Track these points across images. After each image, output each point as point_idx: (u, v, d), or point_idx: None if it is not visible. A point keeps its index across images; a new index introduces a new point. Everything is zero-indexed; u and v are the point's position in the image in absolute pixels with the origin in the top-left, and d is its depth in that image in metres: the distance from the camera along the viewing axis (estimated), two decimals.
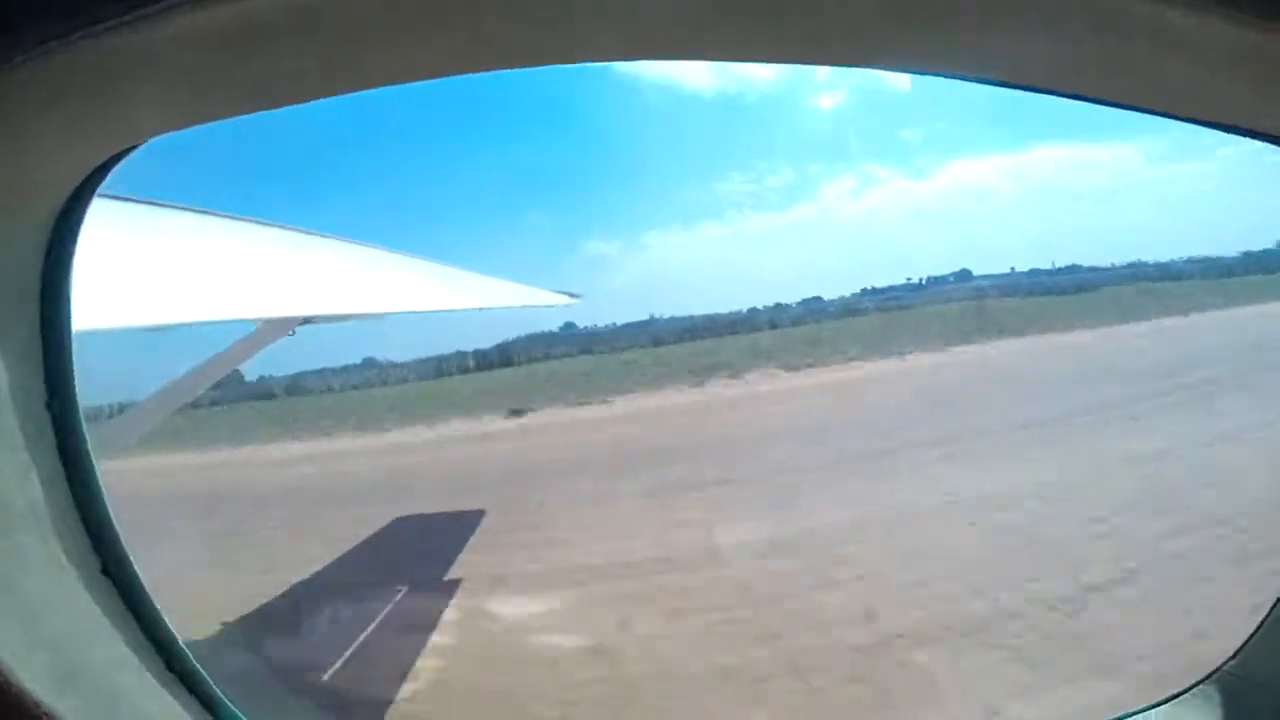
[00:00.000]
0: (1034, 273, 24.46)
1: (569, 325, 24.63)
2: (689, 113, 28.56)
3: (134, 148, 0.89)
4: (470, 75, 0.97)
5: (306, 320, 4.99)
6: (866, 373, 17.60)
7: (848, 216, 27.91)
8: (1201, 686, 1.23)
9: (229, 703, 1.09)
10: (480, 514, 9.09)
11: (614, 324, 25.20)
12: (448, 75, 0.96)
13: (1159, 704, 1.25)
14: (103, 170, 0.89)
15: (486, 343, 24.12)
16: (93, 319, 1.72)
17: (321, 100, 0.95)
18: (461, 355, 23.48)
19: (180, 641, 1.05)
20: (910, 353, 18.50)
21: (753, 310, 24.91)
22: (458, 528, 8.44)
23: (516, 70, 1.05)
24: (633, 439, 13.78)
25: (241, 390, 22.00)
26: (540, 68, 1.04)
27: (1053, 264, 24.61)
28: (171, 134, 0.90)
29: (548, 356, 23.85)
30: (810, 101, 29.69)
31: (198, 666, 1.06)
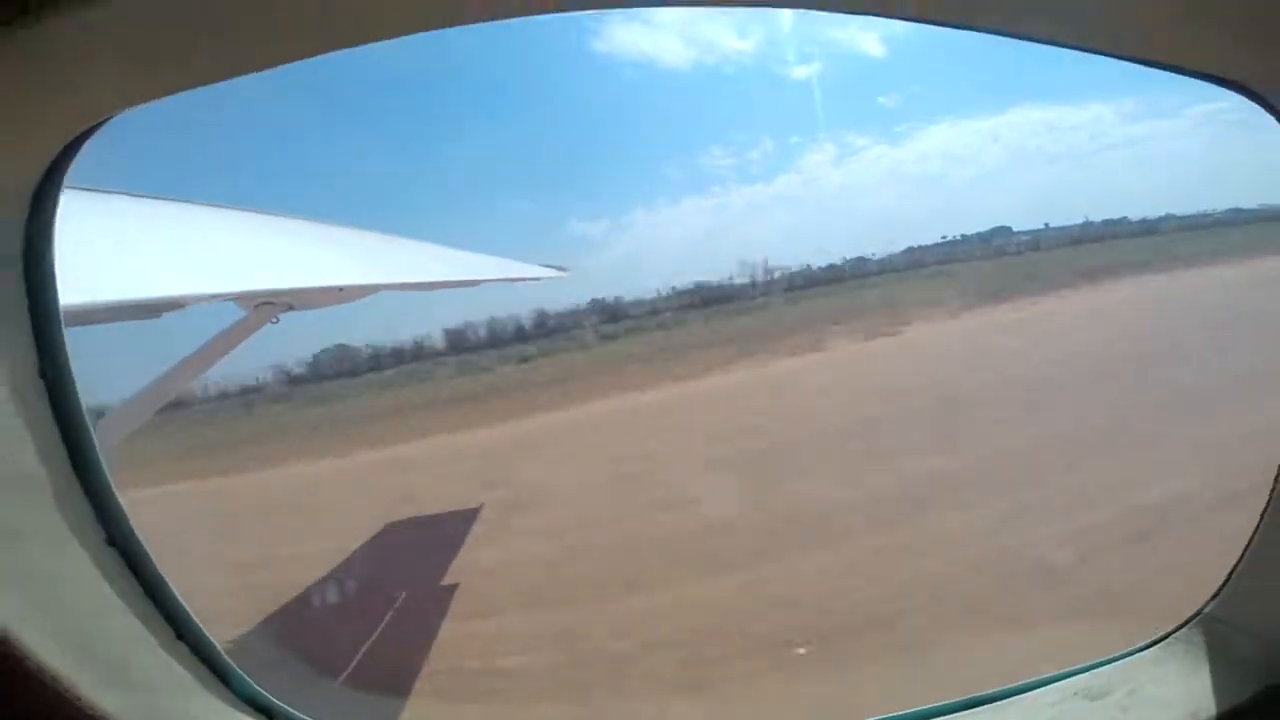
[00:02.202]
0: (1087, 225, 24.57)
1: (596, 301, 24.53)
2: (666, 88, 27.97)
3: (102, 124, 0.89)
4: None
5: (290, 307, 4.91)
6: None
7: (832, 185, 27.75)
8: (1184, 630, 1.26)
9: (239, 670, 1.10)
10: None
11: (661, 293, 24.82)
12: (417, 31, 0.92)
13: (1142, 648, 1.28)
14: (74, 146, 0.89)
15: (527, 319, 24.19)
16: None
17: (285, 66, 0.92)
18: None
19: (188, 609, 1.05)
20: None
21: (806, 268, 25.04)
22: None
23: (500, 22, 1.00)
24: None
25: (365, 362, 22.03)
26: (524, 17, 0.99)
27: (1085, 218, 24.73)
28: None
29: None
30: (786, 72, 29.11)
31: (206, 634, 1.06)
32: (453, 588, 7.40)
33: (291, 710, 1.11)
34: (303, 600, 7.53)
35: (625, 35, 27.85)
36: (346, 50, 0.89)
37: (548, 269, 9.50)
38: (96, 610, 0.93)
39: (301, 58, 0.87)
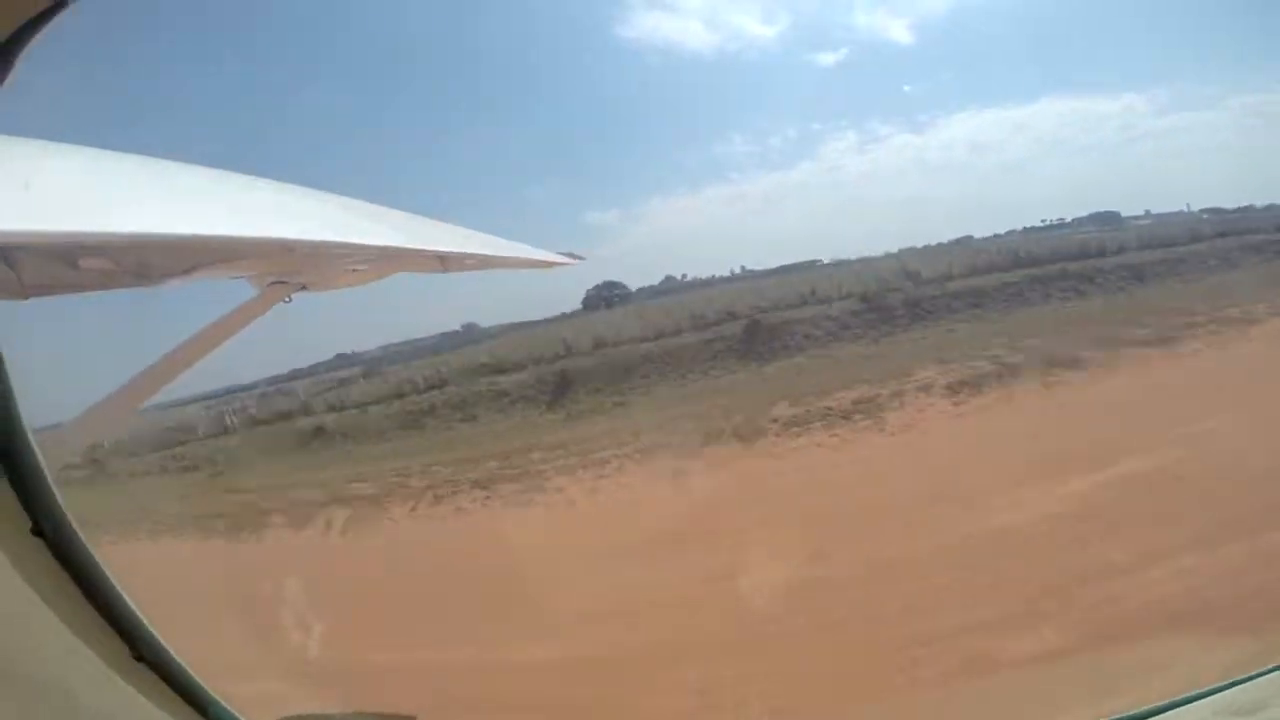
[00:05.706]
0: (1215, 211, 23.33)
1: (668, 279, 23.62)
2: (689, 74, 27.58)
3: None
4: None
5: (304, 287, 4.55)
6: None
7: (852, 173, 27.25)
8: None
9: (217, 698, 0.98)
10: None
11: None
12: None
13: None
14: None
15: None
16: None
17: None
18: None
19: (145, 622, 0.90)
20: None
21: None
22: None
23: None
24: None
25: None
26: None
27: (1187, 206, 23.80)
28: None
29: None
30: (811, 58, 28.67)
31: (171, 652, 0.92)
32: None
33: None
34: None
35: (649, 21, 27.68)
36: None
37: (564, 256, 9.34)
38: (20, 618, 0.74)
39: None
